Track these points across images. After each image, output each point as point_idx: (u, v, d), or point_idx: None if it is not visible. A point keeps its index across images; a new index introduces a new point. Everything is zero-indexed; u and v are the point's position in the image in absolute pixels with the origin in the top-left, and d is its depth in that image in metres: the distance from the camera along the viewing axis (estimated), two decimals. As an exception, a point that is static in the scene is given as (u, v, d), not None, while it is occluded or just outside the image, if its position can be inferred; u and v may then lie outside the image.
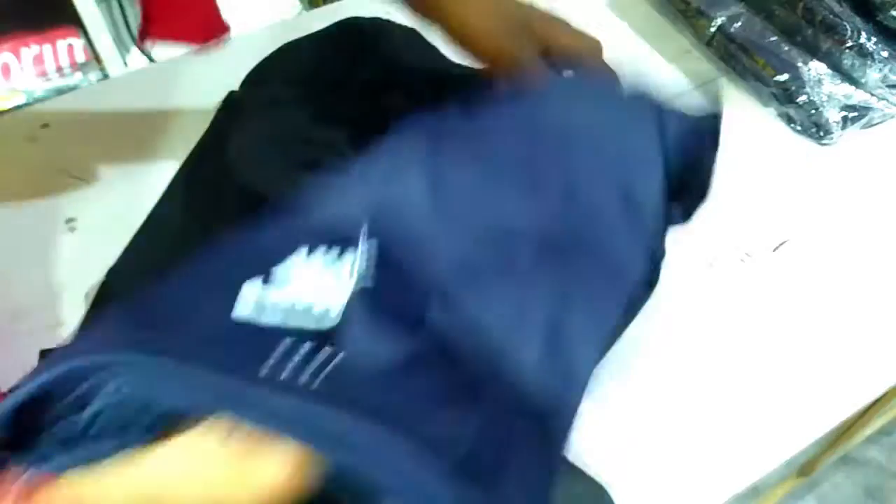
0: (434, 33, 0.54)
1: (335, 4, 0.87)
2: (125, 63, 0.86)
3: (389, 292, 0.34)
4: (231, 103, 0.70)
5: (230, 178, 0.61)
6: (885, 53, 0.72)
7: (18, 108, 0.75)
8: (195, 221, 0.63)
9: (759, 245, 0.66)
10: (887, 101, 0.74)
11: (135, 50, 0.86)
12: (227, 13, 0.79)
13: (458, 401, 0.32)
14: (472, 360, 0.34)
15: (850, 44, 0.73)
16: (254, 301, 0.33)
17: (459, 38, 0.52)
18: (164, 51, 0.76)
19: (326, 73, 0.66)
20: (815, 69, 0.74)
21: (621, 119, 0.46)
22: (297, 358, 0.31)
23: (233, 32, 0.81)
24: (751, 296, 0.62)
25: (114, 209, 0.66)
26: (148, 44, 0.76)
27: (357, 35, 0.69)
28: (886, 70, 0.73)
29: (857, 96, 0.74)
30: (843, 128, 0.72)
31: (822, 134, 0.72)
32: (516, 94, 0.45)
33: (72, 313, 0.60)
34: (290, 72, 0.68)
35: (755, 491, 1.27)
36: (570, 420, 0.38)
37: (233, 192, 0.61)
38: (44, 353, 0.54)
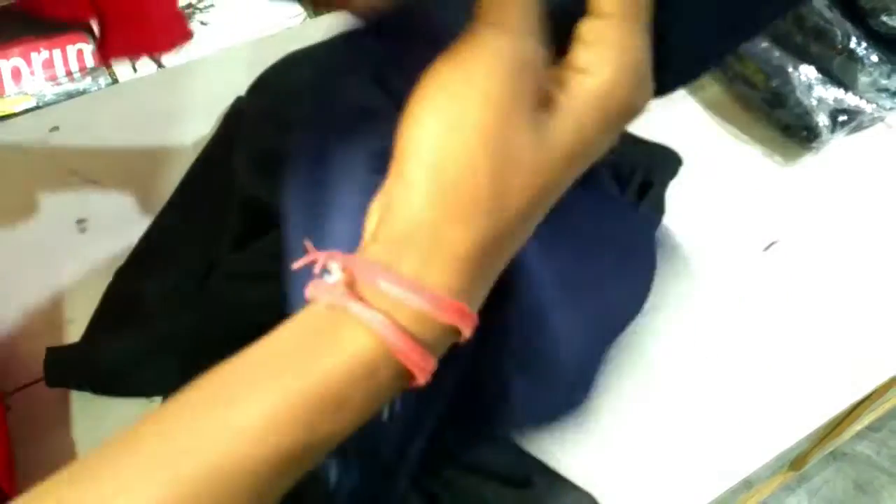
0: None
1: (339, 13, 0.87)
2: (134, 68, 0.87)
3: None
4: (237, 110, 0.72)
5: (234, 185, 0.62)
6: (874, 58, 0.73)
7: (29, 111, 0.76)
8: (200, 226, 0.65)
9: (750, 246, 0.67)
10: (877, 104, 0.75)
11: (143, 56, 0.87)
12: (233, 19, 0.80)
13: None
14: None
15: (840, 49, 0.74)
16: None
17: None
18: (173, 59, 0.77)
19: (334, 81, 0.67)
20: (805, 74, 0.75)
21: None
22: None
23: (238, 39, 0.83)
24: (741, 295, 0.63)
25: (123, 210, 0.68)
26: (111, 61, 0.76)
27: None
28: (876, 74, 0.74)
29: (847, 100, 0.75)
30: (833, 131, 0.73)
31: (811, 137, 0.73)
32: None
33: (81, 312, 0.61)
34: (296, 80, 0.69)
35: (747, 484, 1.29)
36: None
37: (237, 199, 0.63)
38: (51, 351, 0.55)
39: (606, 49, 0.28)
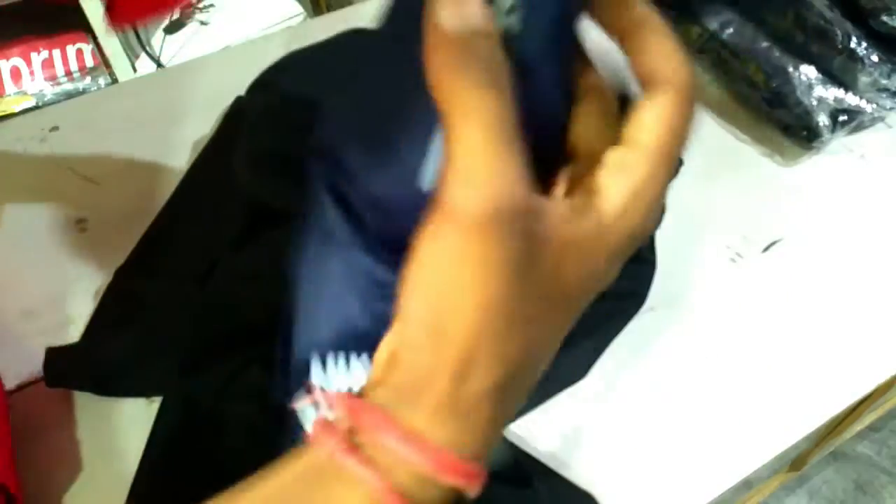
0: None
1: (339, 12, 0.88)
2: (133, 68, 0.87)
3: None
4: (237, 109, 0.72)
5: (235, 185, 0.63)
6: (875, 58, 0.73)
7: (28, 111, 0.76)
8: (201, 225, 0.65)
9: (750, 245, 0.67)
10: (877, 104, 0.75)
11: (143, 55, 0.87)
12: (232, 19, 0.80)
13: None
14: None
15: (840, 49, 0.74)
16: None
17: None
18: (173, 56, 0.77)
19: (332, 81, 0.67)
20: (805, 74, 0.75)
21: None
22: None
23: (238, 38, 0.83)
24: (741, 295, 0.63)
25: (123, 210, 0.68)
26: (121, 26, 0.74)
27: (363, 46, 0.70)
28: (876, 74, 0.74)
29: (848, 100, 0.75)
30: (833, 131, 0.73)
31: (812, 137, 0.73)
32: None
33: (81, 312, 0.61)
34: (296, 80, 0.70)
35: (748, 484, 1.29)
36: None
37: (238, 198, 0.63)
38: (50, 351, 0.55)
39: (627, 179, 0.27)
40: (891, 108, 0.76)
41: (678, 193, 0.67)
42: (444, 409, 0.26)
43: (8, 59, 0.75)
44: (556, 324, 0.28)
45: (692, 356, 0.60)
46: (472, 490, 0.27)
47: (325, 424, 0.27)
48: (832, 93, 0.74)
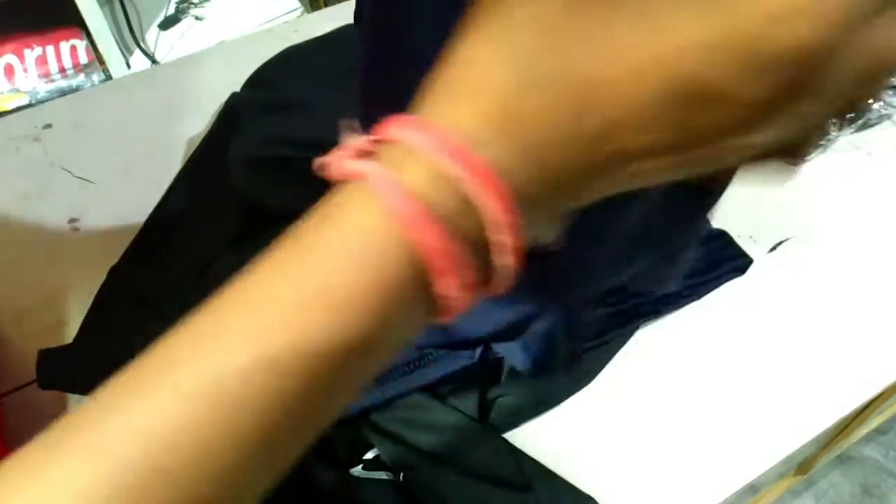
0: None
1: (336, 7, 0.87)
2: (128, 64, 0.87)
3: None
4: (233, 106, 0.71)
5: (230, 183, 0.62)
6: (881, 54, 0.73)
7: (22, 108, 0.75)
8: (196, 223, 0.64)
9: (757, 245, 0.66)
10: (884, 102, 0.75)
11: (137, 51, 0.87)
12: (228, 14, 0.80)
13: None
14: None
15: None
16: None
17: None
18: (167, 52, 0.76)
19: (329, 78, 0.67)
20: (812, 71, 0.74)
21: None
22: None
23: (234, 34, 0.82)
24: (748, 296, 0.63)
25: (116, 209, 0.67)
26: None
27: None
28: (883, 71, 0.73)
29: (854, 97, 0.74)
30: (840, 129, 0.73)
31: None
32: None
33: (74, 313, 0.60)
34: (292, 76, 0.69)
35: (753, 488, 1.28)
36: None
37: (233, 196, 0.62)
38: (43, 354, 0.54)
39: None
40: (898, 106, 0.75)
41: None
42: (470, 98, 0.22)
43: (1, 56, 0.74)
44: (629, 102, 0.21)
45: (697, 357, 0.59)
46: (498, 209, 0.21)
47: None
48: (838, 90, 0.74)
